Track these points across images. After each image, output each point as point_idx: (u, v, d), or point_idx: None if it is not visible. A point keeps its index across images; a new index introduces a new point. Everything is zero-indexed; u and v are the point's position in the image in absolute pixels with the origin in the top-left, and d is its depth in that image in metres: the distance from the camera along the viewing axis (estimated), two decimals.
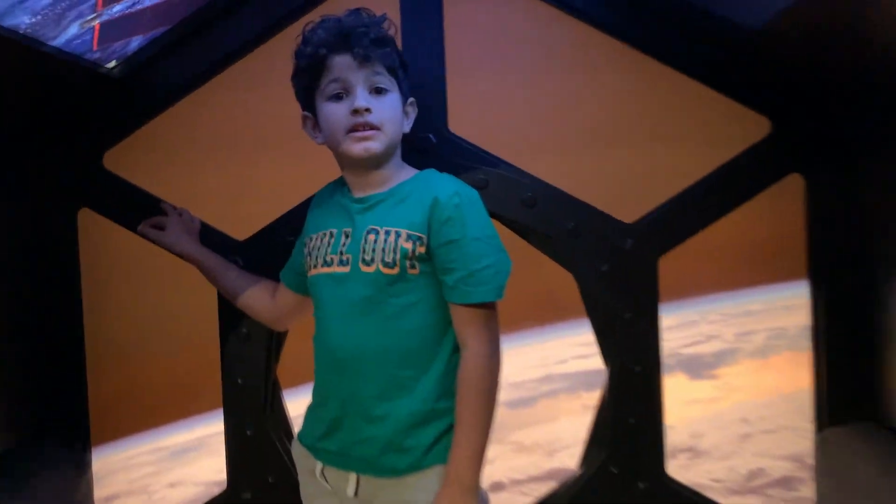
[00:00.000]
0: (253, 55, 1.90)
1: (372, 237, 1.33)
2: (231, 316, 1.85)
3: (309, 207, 1.54)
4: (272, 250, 1.81)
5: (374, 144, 1.34)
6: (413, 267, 1.31)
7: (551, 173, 1.85)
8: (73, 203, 1.91)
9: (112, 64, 1.85)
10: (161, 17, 1.83)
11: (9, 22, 1.48)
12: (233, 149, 1.93)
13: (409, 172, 1.43)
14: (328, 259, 1.38)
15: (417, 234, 1.30)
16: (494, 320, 1.33)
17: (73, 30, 1.70)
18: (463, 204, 1.31)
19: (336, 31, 1.36)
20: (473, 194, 1.35)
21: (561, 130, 1.88)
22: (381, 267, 1.31)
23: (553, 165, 1.86)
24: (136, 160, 1.91)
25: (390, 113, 1.36)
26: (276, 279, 1.68)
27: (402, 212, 1.34)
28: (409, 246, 1.30)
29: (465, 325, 1.31)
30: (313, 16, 1.47)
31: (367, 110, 1.32)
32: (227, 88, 1.91)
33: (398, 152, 1.43)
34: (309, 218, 1.53)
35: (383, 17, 1.40)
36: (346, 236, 1.37)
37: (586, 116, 1.87)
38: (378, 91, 1.36)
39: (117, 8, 1.75)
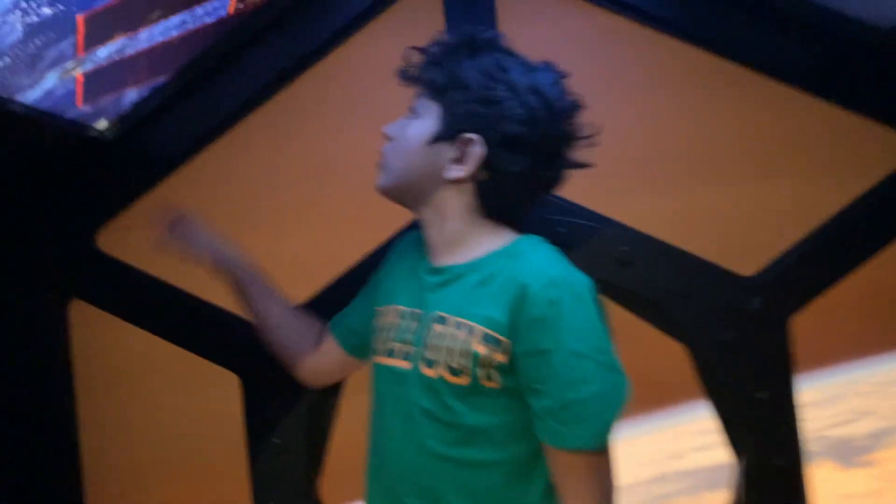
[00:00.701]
0: (265, 107, 1.70)
1: (438, 328, 1.06)
2: (260, 421, 1.67)
3: (391, 251, 1.30)
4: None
5: (378, 178, 1.16)
6: (490, 378, 1.02)
7: (645, 221, 1.60)
8: (63, 294, 1.75)
9: (103, 124, 1.66)
10: (157, 63, 1.64)
11: None
12: (248, 218, 1.74)
13: (500, 239, 1.12)
14: (391, 347, 1.14)
15: (497, 335, 1.01)
16: (605, 469, 1.03)
17: (51, 80, 1.52)
18: (563, 299, 0.99)
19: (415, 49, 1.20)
20: (581, 284, 1.02)
21: (652, 166, 1.63)
22: (445, 373, 1.04)
23: (647, 211, 1.61)
24: (134, 238, 1.72)
25: (397, 143, 1.14)
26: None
27: (481, 298, 1.05)
28: (484, 350, 1.02)
29: (562, 473, 1.03)
30: (339, 57, 1.49)
31: (386, 137, 1.16)
32: (239, 147, 1.73)
33: (467, 205, 1.11)
34: (385, 270, 1.28)
35: (468, 31, 1.15)
36: (414, 320, 1.12)
37: (682, 146, 1.64)
38: (413, 114, 1.15)
39: (103, 53, 1.54)
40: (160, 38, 1.56)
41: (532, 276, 1.01)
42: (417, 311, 1.11)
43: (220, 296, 1.70)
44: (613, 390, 1.00)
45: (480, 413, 1.03)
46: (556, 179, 1.13)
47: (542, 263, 1.05)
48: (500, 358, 1.01)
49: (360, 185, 1.61)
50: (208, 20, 1.56)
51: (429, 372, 1.05)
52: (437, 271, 1.13)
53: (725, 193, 1.60)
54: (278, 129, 1.64)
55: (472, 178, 1.08)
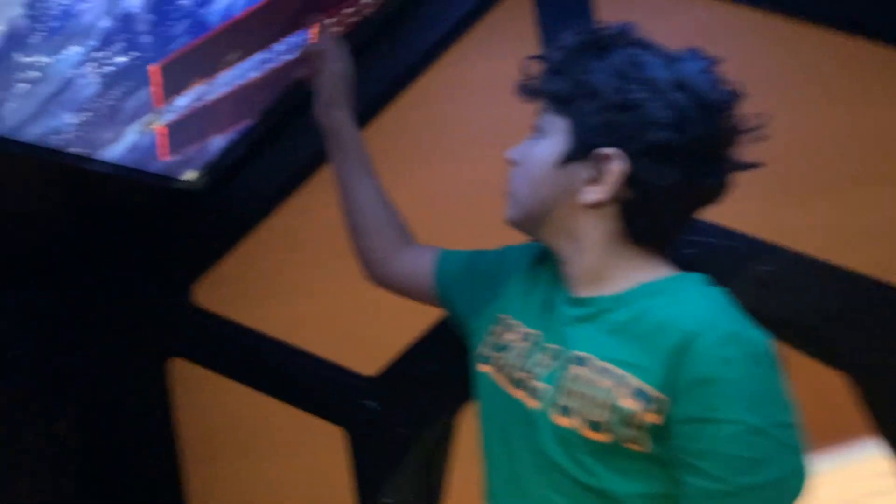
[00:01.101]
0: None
1: (578, 371, 0.89)
2: (369, 478, 1.60)
3: (519, 250, 1.14)
4: (411, 385, 1.59)
5: (506, 209, 1.02)
6: (636, 441, 0.85)
7: (790, 235, 1.41)
8: (161, 352, 1.73)
9: (191, 174, 1.62)
10: (240, 107, 1.60)
11: (46, 123, 1.30)
12: (346, 257, 1.58)
13: (652, 269, 0.95)
14: (516, 376, 0.97)
15: (651, 391, 0.84)
16: None
17: (133, 134, 1.49)
18: (739, 359, 0.82)
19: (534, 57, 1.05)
20: (760, 342, 0.85)
21: (794, 171, 1.44)
22: (581, 426, 0.87)
23: (791, 223, 1.42)
24: (231, 290, 1.70)
25: (523, 168, 0.99)
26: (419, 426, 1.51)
27: (631, 341, 0.88)
28: (633, 406, 0.84)
29: None
30: (431, 80, 1.45)
31: (510, 162, 1.02)
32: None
33: (609, 232, 0.95)
34: (509, 266, 1.13)
35: (591, 28, 0.98)
36: (548, 354, 0.95)
37: (829, 146, 1.44)
38: (538, 133, 1.00)
39: (182, 102, 1.48)
40: (240, 81, 1.50)
41: (700, 326, 0.84)
42: (553, 345, 0.96)
43: (322, 346, 1.68)
44: (794, 478, 0.82)
45: (620, 478, 0.87)
46: (718, 188, 0.94)
47: (711, 311, 0.87)
48: (652, 418, 0.84)
49: (466, 216, 1.56)
50: (289, 56, 1.49)
51: (562, 420, 0.89)
52: (578, 303, 0.97)
53: (886, 195, 1.39)
54: (383, 156, 1.56)
55: (614, 199, 0.91)
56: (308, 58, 1.29)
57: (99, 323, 1.68)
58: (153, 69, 1.35)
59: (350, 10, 1.51)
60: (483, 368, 1.06)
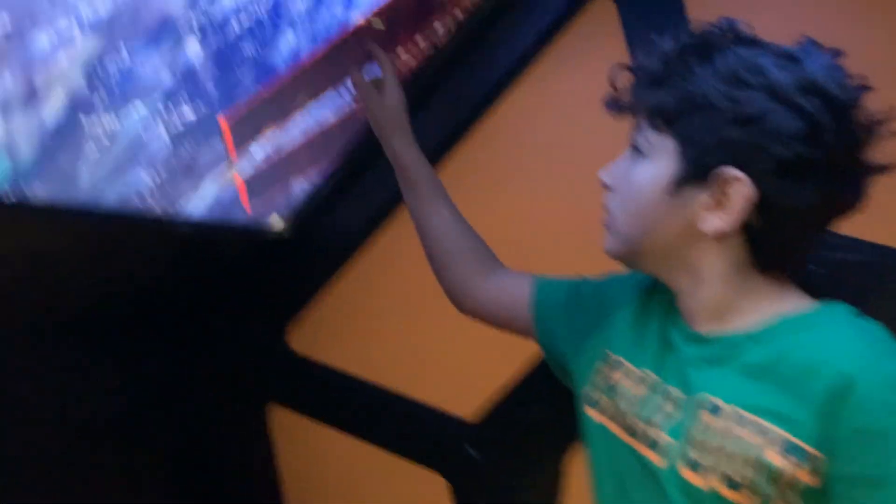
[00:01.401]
0: (440, 172, 1.47)
1: (711, 421, 0.75)
2: None
3: (621, 279, 1.01)
4: (514, 429, 1.47)
5: (606, 240, 0.87)
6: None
7: None
8: (260, 399, 1.68)
9: (277, 221, 1.60)
10: (318, 149, 1.56)
11: (123, 183, 1.31)
12: (439, 294, 1.54)
13: (786, 300, 0.80)
14: (631, 425, 0.84)
15: (804, 446, 0.69)
16: None
17: (212, 188, 1.45)
18: None
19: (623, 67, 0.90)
20: None
21: None
22: (720, 485, 0.73)
23: None
24: (325, 333, 1.63)
25: (623, 195, 0.85)
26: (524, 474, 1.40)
27: (773, 386, 0.74)
28: (783, 464, 0.69)
29: None
30: (512, 104, 1.29)
31: (604, 186, 0.88)
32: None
33: (734, 262, 0.80)
34: (613, 297, 0.98)
35: (693, 28, 0.83)
36: (669, 400, 0.81)
37: None
38: (636, 153, 0.84)
39: (257, 150, 1.45)
40: (314, 123, 1.47)
41: (859, 368, 0.69)
42: (675, 390, 0.82)
43: (419, 388, 1.57)
44: None
45: None
46: (855, 199, 0.79)
47: (870, 349, 0.72)
48: (806, 478, 0.69)
49: (556, 243, 1.42)
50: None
51: (695, 479, 0.75)
52: (703, 341, 0.81)
53: None
54: (459, 191, 1.47)
55: (741, 226, 0.76)
56: (357, 90, 1.18)
57: (199, 373, 1.65)
58: (223, 121, 1.32)
59: (423, 41, 1.45)
60: (592, 414, 0.92)
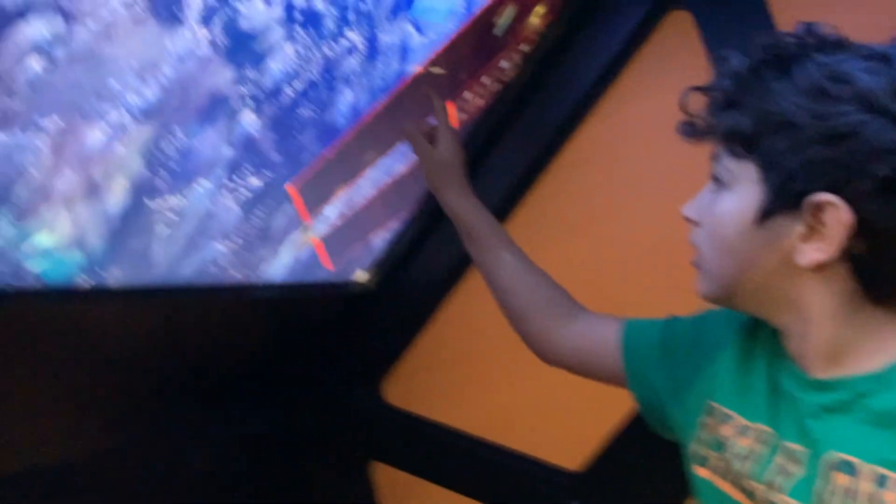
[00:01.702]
0: (516, 214, 1.53)
1: (846, 482, 0.69)
2: None
3: (710, 318, 0.93)
4: (619, 480, 1.43)
5: (698, 282, 0.81)
6: None
7: None
8: (361, 456, 1.69)
9: (360, 275, 1.62)
10: (393, 202, 1.57)
11: (199, 257, 1.41)
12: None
13: None
14: (748, 486, 0.78)
15: None
16: None
17: (289, 252, 1.50)
18: None
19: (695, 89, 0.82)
20: None
21: None
22: None
23: None
24: (419, 384, 1.64)
25: (710, 231, 0.78)
26: None
27: None
28: None
29: None
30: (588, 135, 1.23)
31: (689, 221, 0.82)
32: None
33: (841, 295, 0.73)
34: (712, 344, 0.91)
35: (767, 38, 0.77)
36: (790, 458, 0.75)
37: None
38: (719, 186, 0.78)
39: (330, 211, 1.49)
40: (386, 178, 1.50)
41: None
42: (795, 446, 0.74)
43: (517, 439, 1.52)
44: None
45: None
46: None
47: None
48: None
49: (640, 282, 1.36)
50: None
51: None
52: (820, 387, 0.74)
53: None
54: (536, 232, 1.47)
55: (842, 255, 0.70)
56: (408, 142, 1.17)
57: (301, 432, 1.66)
58: (291, 189, 1.36)
59: (490, 80, 1.47)
60: (703, 473, 0.85)
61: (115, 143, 1.15)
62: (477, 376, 1.59)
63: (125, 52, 1.06)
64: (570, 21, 1.42)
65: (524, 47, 1.45)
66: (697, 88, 0.78)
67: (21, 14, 0.93)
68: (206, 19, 1.08)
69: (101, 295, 1.30)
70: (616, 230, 1.43)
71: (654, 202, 1.30)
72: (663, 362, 0.94)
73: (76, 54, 1.02)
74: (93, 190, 1.17)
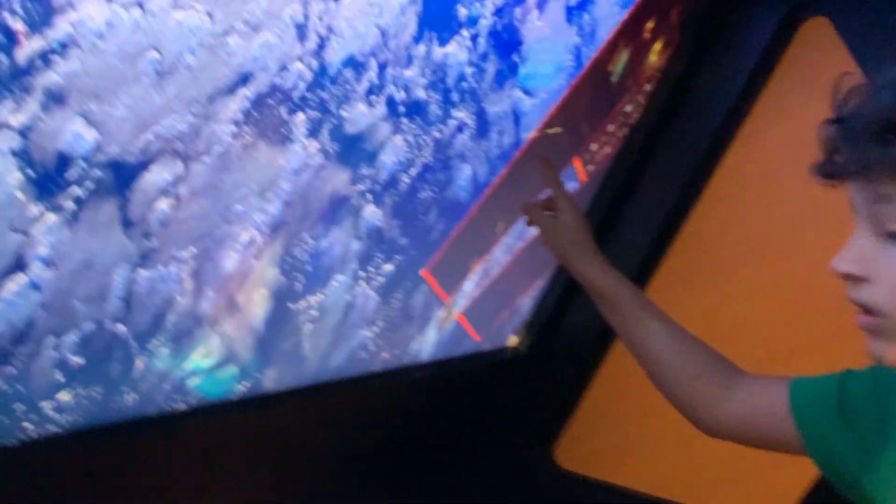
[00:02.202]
0: (663, 266, 1.51)
1: None
2: None
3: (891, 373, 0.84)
4: None
5: (872, 345, 0.70)
6: None
7: None
8: None
9: (512, 340, 1.65)
10: (532, 266, 1.59)
11: (347, 346, 1.39)
12: None
13: None
14: None
15: None
16: None
17: (433, 329, 1.49)
18: None
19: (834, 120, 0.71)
20: None
21: None
22: None
23: None
24: (591, 446, 1.64)
25: (884, 288, 0.68)
26: None
27: None
28: None
29: None
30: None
31: (849, 277, 0.70)
32: None
33: None
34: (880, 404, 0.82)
35: None
36: None
37: None
38: (891, 236, 0.67)
39: (469, 286, 1.47)
40: (520, 244, 1.47)
41: None
42: None
43: (696, 498, 1.47)
44: None
45: None
46: None
47: None
48: None
49: (796, 334, 1.30)
50: None
51: None
52: None
53: None
54: (676, 283, 1.43)
55: None
56: (528, 216, 1.17)
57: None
58: (426, 274, 1.34)
59: (615, 126, 1.43)
60: None
61: (249, 260, 1.19)
62: (650, 432, 1.52)
63: (243, 177, 1.09)
64: (692, 49, 1.36)
65: (647, 87, 1.40)
66: (839, 120, 0.68)
67: (144, 166, 0.98)
68: (313, 131, 1.08)
69: (261, 401, 1.34)
70: (767, 274, 1.36)
71: (811, 238, 1.25)
72: (844, 424, 0.86)
73: (198, 189, 1.05)
74: (236, 305, 1.21)
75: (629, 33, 1.34)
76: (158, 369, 1.19)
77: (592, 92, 1.36)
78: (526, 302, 1.60)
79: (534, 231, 1.28)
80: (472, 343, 1.56)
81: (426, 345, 1.50)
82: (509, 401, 1.66)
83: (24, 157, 0.91)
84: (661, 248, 1.44)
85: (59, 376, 1.10)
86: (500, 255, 1.47)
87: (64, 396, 1.13)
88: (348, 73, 1.17)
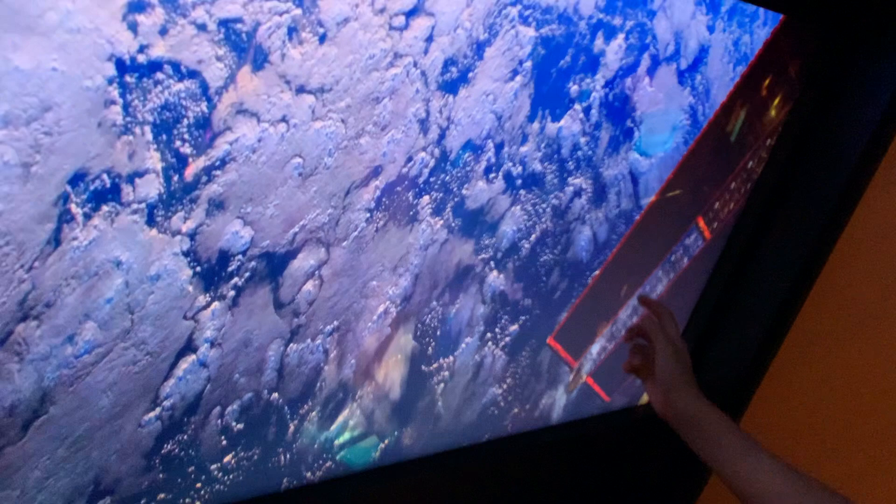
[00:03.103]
0: (803, 315, 1.42)
1: None
2: None
3: None
4: None
5: None
6: None
7: None
8: None
9: (645, 398, 1.63)
10: None
11: (480, 402, 1.42)
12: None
13: None
14: None
15: None
16: None
17: (562, 392, 1.51)
18: None
19: None
20: None
21: None
22: None
23: None
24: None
25: None
26: None
27: None
28: None
29: None
30: None
31: None
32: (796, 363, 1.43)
33: None
34: None
35: None
36: None
37: None
38: None
39: (595, 349, 1.48)
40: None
41: None
42: None
43: None
44: None
45: None
46: None
47: None
48: None
49: None
50: (686, 260, 1.44)
51: None
52: None
53: None
54: (818, 339, 1.38)
55: None
56: (633, 352, 1.15)
57: None
58: (551, 342, 1.37)
59: (738, 183, 1.41)
60: None
61: (385, 329, 1.28)
62: None
63: (377, 255, 1.18)
64: (816, 101, 1.32)
65: (769, 142, 1.38)
66: None
67: (292, 255, 1.09)
68: (438, 210, 1.17)
69: (398, 469, 1.41)
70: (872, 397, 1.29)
71: None
72: None
73: (339, 270, 1.15)
74: (374, 371, 1.30)
75: (746, 93, 1.34)
76: (309, 432, 1.30)
77: (711, 154, 1.36)
78: None
79: (660, 291, 1.35)
80: (603, 401, 1.56)
81: (556, 406, 1.53)
82: (644, 461, 1.63)
83: (192, 256, 1.05)
84: (793, 303, 1.39)
85: (224, 441, 1.22)
86: (626, 317, 1.49)
87: (228, 459, 1.25)
88: (468, 157, 1.26)
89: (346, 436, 1.30)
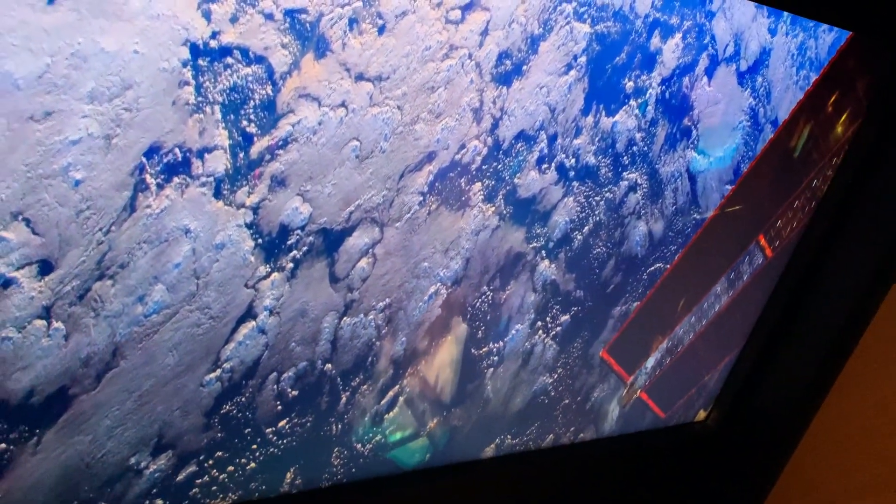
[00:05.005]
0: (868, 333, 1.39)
1: None
2: None
3: None
4: None
5: None
6: None
7: None
8: None
9: (700, 414, 1.58)
10: (720, 341, 1.52)
11: (538, 388, 1.43)
12: None
13: None
14: None
15: None
16: None
17: (616, 410, 1.52)
18: None
19: None
20: None
21: None
22: None
23: None
24: None
25: None
26: None
27: None
28: None
29: None
30: None
31: None
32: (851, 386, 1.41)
33: None
34: None
35: None
36: None
37: None
38: None
39: (650, 363, 1.46)
40: (703, 322, 1.46)
41: None
42: None
43: None
44: None
45: None
46: None
47: None
48: None
49: None
50: (746, 278, 1.42)
51: None
52: None
53: None
54: (882, 358, 1.34)
55: None
56: None
57: None
58: (604, 355, 1.38)
59: (803, 202, 1.40)
60: None
61: (436, 310, 1.32)
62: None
63: (429, 238, 1.23)
64: (886, 115, 1.31)
65: (835, 160, 1.37)
66: None
67: (348, 232, 1.15)
68: (490, 197, 1.21)
69: (447, 470, 1.43)
70: None
71: None
72: None
73: (392, 250, 1.21)
74: (425, 352, 1.34)
75: (810, 109, 1.32)
76: (360, 405, 1.36)
77: (775, 170, 1.34)
78: (713, 377, 1.55)
79: (719, 308, 1.35)
80: (658, 420, 1.55)
81: (609, 422, 1.54)
82: (700, 478, 1.61)
83: (255, 228, 1.13)
84: (855, 326, 1.36)
85: (279, 406, 1.30)
86: (682, 333, 1.48)
87: (282, 424, 1.32)
88: (520, 146, 1.29)
89: (396, 412, 1.36)
